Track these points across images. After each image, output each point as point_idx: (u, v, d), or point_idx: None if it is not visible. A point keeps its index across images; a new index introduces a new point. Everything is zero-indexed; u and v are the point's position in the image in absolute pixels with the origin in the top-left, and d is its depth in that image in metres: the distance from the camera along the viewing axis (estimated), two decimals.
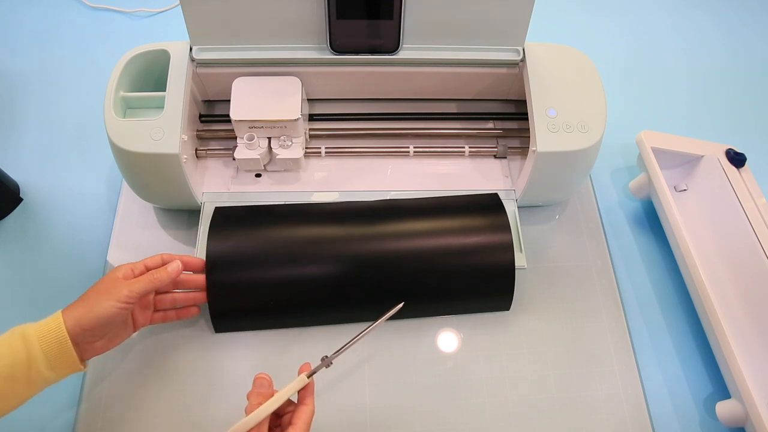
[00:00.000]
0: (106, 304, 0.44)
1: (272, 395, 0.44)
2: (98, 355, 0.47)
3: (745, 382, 0.50)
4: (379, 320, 0.49)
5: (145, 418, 0.53)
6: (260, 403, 0.43)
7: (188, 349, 0.56)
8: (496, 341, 0.58)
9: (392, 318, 0.50)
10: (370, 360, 0.57)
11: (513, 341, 0.58)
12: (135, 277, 0.48)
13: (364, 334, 0.49)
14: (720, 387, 0.57)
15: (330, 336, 0.57)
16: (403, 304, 0.51)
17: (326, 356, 0.47)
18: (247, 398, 0.44)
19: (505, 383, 0.56)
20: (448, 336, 0.58)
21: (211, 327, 0.56)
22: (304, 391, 0.46)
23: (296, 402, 0.46)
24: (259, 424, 0.42)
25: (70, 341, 0.42)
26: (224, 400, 0.54)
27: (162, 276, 0.48)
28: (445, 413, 0.54)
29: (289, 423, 0.43)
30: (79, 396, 0.54)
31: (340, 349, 0.48)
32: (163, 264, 0.50)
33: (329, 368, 0.47)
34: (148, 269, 0.49)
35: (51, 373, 0.41)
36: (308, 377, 0.45)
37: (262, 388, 0.45)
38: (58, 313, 0.44)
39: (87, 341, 0.45)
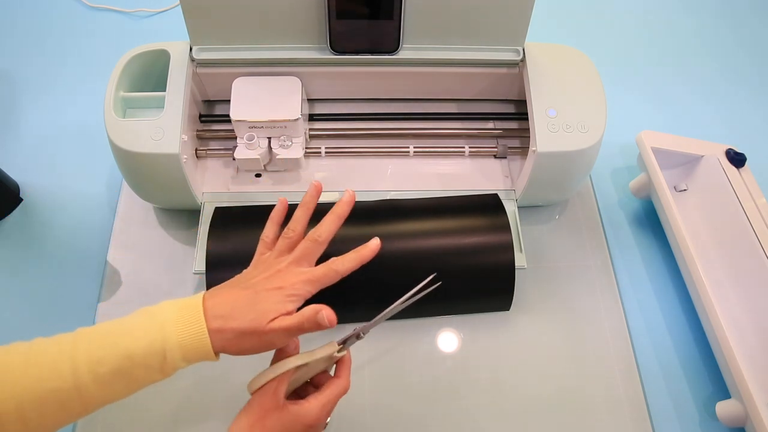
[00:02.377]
0: (255, 349, 0.41)
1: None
2: None
3: (745, 382, 0.50)
4: (413, 290, 0.48)
5: (145, 418, 0.53)
6: (283, 359, 0.43)
7: None
8: (496, 341, 0.58)
9: (392, 318, 0.50)
10: (370, 360, 0.57)
11: (513, 341, 0.58)
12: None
13: (399, 306, 0.47)
14: (720, 387, 0.57)
15: (329, 336, 0.57)
16: (434, 275, 0.49)
17: (358, 328, 0.46)
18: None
19: (505, 383, 0.56)
20: (448, 336, 0.58)
21: None
22: (341, 365, 0.45)
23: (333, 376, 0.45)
24: (279, 378, 0.41)
25: (210, 344, 0.39)
26: (225, 400, 0.54)
27: (311, 327, 0.42)
28: (445, 413, 0.54)
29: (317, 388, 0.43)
30: None
31: (374, 321, 0.47)
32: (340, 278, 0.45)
33: (363, 336, 0.46)
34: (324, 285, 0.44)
35: (184, 363, 0.40)
36: (339, 345, 0.44)
37: (288, 350, 0.44)
38: (201, 315, 0.40)
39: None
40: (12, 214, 0.66)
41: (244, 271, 0.46)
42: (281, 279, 0.43)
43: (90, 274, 0.61)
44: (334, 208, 0.48)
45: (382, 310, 0.50)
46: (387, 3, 0.54)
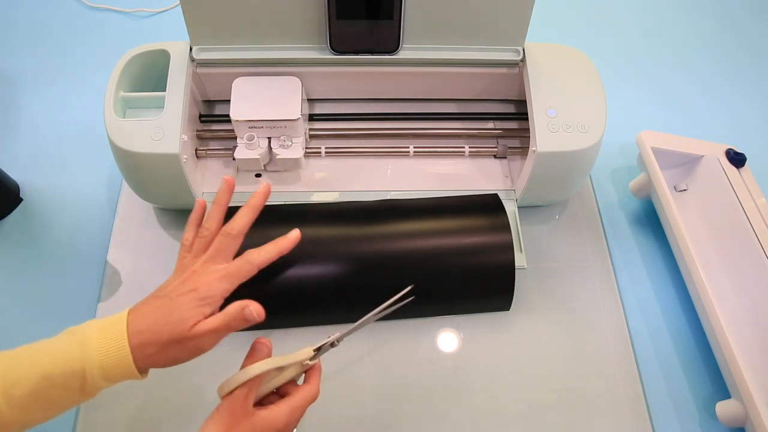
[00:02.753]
0: (182, 358, 0.40)
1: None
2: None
3: (745, 382, 0.50)
4: (388, 302, 0.48)
5: (145, 419, 0.53)
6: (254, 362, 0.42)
7: None
8: (496, 341, 0.58)
9: (393, 317, 0.50)
10: (370, 360, 0.57)
11: (513, 341, 0.58)
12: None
13: (373, 317, 0.47)
14: (720, 387, 0.57)
15: (327, 335, 0.57)
16: (413, 287, 0.50)
17: (333, 336, 0.46)
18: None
19: (505, 383, 0.56)
20: (448, 336, 0.58)
21: None
22: (311, 371, 0.44)
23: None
24: (249, 384, 0.41)
25: (132, 362, 0.38)
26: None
27: (238, 325, 0.42)
28: (445, 413, 0.54)
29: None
30: None
31: (348, 331, 0.46)
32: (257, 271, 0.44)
33: (329, 367, 0.46)
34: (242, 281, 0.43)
35: (106, 383, 0.39)
36: (314, 351, 0.44)
37: (260, 354, 0.43)
38: (123, 332, 0.39)
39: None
40: (12, 214, 0.66)
41: (167, 279, 0.45)
42: (195, 280, 0.42)
43: (90, 274, 0.61)
44: (249, 199, 0.47)
45: (383, 310, 0.50)
46: (387, 3, 0.54)
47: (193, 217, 0.48)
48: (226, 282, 0.42)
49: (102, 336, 0.38)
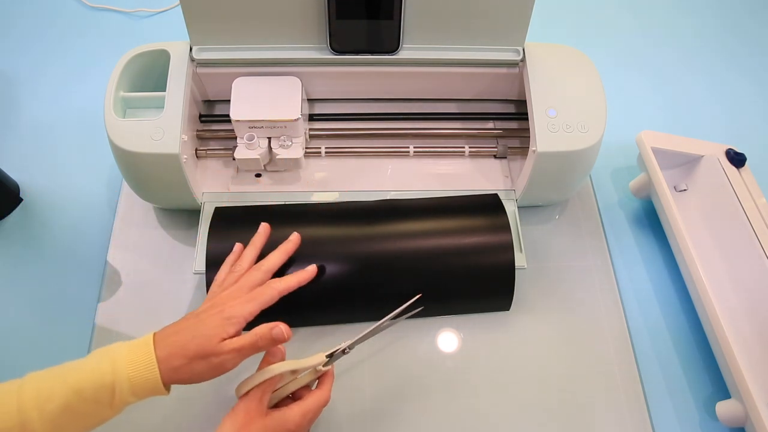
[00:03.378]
0: (206, 375, 0.42)
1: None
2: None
3: (745, 382, 0.50)
4: (398, 310, 0.49)
5: (146, 419, 0.53)
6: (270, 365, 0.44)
7: None
8: (496, 341, 0.58)
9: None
10: (370, 360, 0.57)
11: (513, 341, 0.58)
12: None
13: (385, 326, 0.49)
14: (720, 387, 0.57)
15: (329, 336, 0.58)
16: (420, 296, 0.51)
17: (345, 343, 0.47)
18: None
19: (505, 383, 0.56)
20: (448, 336, 0.58)
21: None
22: (324, 377, 0.46)
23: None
24: (264, 385, 0.43)
25: (159, 375, 0.40)
26: (225, 400, 0.54)
27: (265, 345, 0.44)
28: (445, 413, 0.54)
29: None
30: None
31: (359, 338, 0.48)
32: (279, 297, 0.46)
33: (348, 352, 0.47)
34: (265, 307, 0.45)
35: (133, 398, 0.40)
36: (326, 357, 0.46)
37: (274, 358, 0.45)
38: (151, 346, 0.41)
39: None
40: (12, 214, 0.66)
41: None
42: (221, 303, 0.45)
43: (90, 274, 0.61)
44: (282, 245, 0.52)
45: (382, 311, 0.50)
46: (387, 3, 0.54)
47: (230, 258, 0.51)
48: (250, 305, 0.44)
49: (131, 352, 0.40)
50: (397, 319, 0.50)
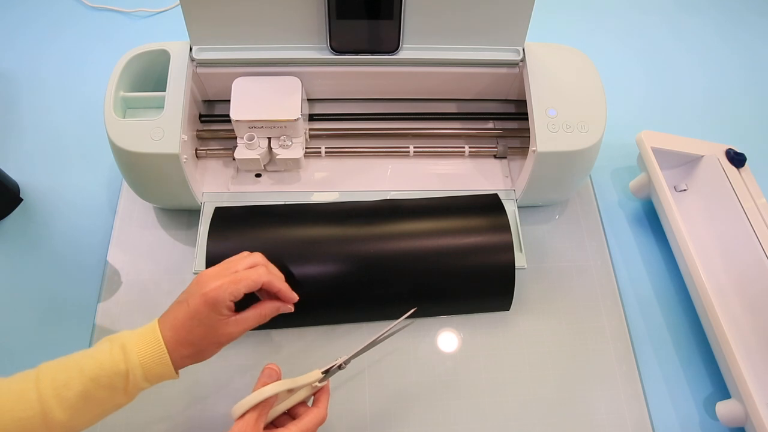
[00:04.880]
0: (212, 351, 0.44)
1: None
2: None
3: (745, 382, 0.50)
4: (395, 323, 0.49)
5: (146, 420, 0.53)
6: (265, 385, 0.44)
7: None
8: (496, 341, 0.58)
9: (393, 318, 0.50)
10: (370, 360, 0.57)
11: (513, 341, 0.58)
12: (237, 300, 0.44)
13: (380, 340, 0.49)
14: (720, 387, 0.57)
15: (329, 336, 0.58)
16: (416, 309, 0.52)
17: (341, 359, 0.47)
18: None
19: (505, 383, 0.56)
20: (448, 336, 0.58)
21: None
22: (320, 394, 0.46)
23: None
24: (260, 407, 0.42)
25: (169, 360, 0.42)
26: (225, 401, 0.54)
27: (270, 313, 0.46)
28: (445, 413, 0.54)
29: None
30: None
31: (355, 353, 0.48)
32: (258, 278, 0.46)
33: (345, 367, 0.47)
34: (249, 289, 0.45)
35: (146, 384, 0.42)
36: (322, 373, 0.45)
37: (269, 379, 0.45)
38: (158, 333, 0.42)
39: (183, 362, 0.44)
40: (12, 214, 0.66)
41: None
42: (204, 282, 0.44)
43: (90, 274, 0.61)
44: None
45: (383, 311, 0.50)
46: (387, 3, 0.54)
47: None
48: (235, 285, 0.44)
49: (140, 340, 0.42)
50: (394, 332, 0.49)
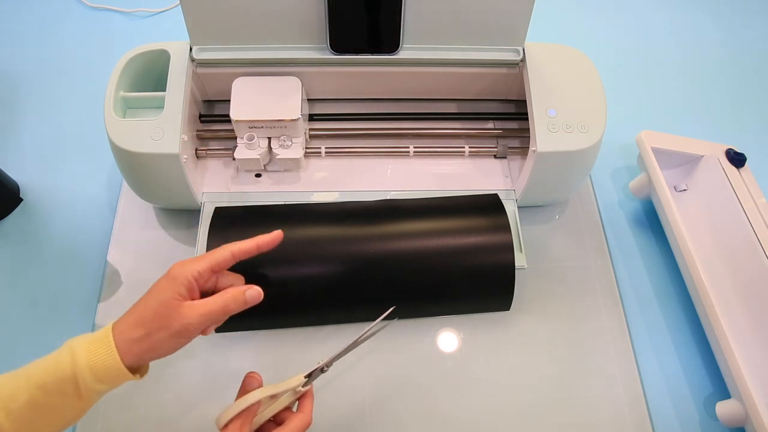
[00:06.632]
0: (170, 345, 0.40)
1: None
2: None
3: (745, 382, 0.50)
4: (374, 323, 0.49)
5: (145, 420, 0.53)
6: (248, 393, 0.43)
7: (187, 349, 0.56)
8: (496, 341, 0.58)
9: (393, 318, 0.50)
10: (370, 360, 0.57)
11: (513, 341, 0.58)
12: (200, 287, 0.42)
13: (361, 340, 0.48)
14: (720, 387, 0.57)
15: (329, 337, 0.58)
16: (394, 308, 0.50)
17: (322, 362, 0.47)
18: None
19: (505, 383, 0.56)
20: (448, 336, 0.58)
21: None
22: (304, 399, 0.45)
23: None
24: (244, 415, 0.42)
25: (117, 354, 0.39)
26: (224, 401, 0.54)
27: (236, 307, 0.43)
28: (445, 413, 0.54)
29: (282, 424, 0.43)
30: None
31: (336, 355, 0.47)
32: (234, 260, 0.44)
33: (327, 370, 0.47)
34: (213, 272, 0.43)
35: (100, 385, 0.39)
36: (305, 377, 0.45)
37: (251, 386, 0.44)
38: (109, 329, 0.40)
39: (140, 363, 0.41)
40: (12, 214, 0.66)
41: None
42: (170, 268, 0.43)
43: (90, 274, 0.61)
44: (259, 236, 0.47)
45: (383, 311, 0.50)
46: (387, 3, 0.54)
47: None
48: (198, 263, 0.42)
49: (91, 341, 0.39)
50: (375, 332, 0.49)
